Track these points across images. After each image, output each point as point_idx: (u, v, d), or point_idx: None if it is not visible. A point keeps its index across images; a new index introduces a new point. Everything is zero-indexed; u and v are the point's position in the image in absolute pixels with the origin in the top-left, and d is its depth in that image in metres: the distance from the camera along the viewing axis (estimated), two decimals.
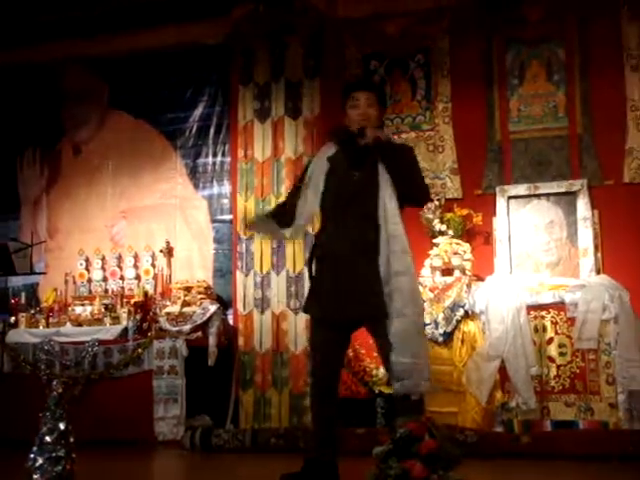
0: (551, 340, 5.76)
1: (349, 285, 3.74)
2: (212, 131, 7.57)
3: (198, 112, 7.64)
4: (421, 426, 2.75)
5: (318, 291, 3.90)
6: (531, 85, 6.68)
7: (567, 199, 6.33)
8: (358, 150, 3.84)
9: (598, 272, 6.09)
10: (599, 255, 6.17)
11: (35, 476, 2.70)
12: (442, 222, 6.35)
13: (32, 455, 2.75)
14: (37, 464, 2.71)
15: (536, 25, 6.65)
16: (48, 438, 2.75)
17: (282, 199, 6.83)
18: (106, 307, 7.03)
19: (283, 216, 4.04)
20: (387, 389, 5.96)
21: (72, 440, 2.79)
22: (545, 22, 6.64)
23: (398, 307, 3.63)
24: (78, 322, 7.02)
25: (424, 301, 3.68)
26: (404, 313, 3.62)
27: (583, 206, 6.23)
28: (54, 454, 2.72)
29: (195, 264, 7.45)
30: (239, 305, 6.99)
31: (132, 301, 7.03)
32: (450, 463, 2.72)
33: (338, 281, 3.77)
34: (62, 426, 2.76)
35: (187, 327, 6.68)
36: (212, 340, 6.66)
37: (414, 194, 3.86)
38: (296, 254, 6.79)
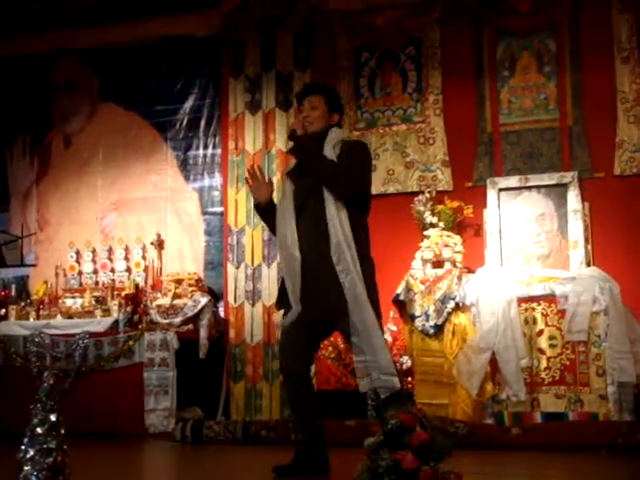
0: (541, 332, 5.77)
1: (307, 287, 3.83)
2: (203, 123, 7.56)
3: (189, 104, 7.63)
4: (412, 417, 2.75)
5: (285, 291, 3.98)
6: (522, 77, 6.69)
7: (558, 191, 6.34)
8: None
9: (588, 264, 6.10)
10: (589, 247, 6.18)
11: (26, 467, 2.68)
12: (433, 214, 6.36)
13: (23, 447, 2.73)
14: (28, 455, 2.69)
15: (527, 16, 6.66)
16: (39, 430, 2.73)
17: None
18: (97, 299, 7.02)
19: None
20: None
21: (63, 432, 2.77)
22: (536, 13, 6.65)
23: (350, 307, 3.71)
24: (69, 314, 7.01)
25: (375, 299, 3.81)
26: (356, 312, 3.71)
27: (574, 198, 6.24)
28: (45, 445, 2.71)
29: (186, 256, 7.44)
30: (230, 297, 6.99)
31: (123, 293, 7.02)
32: (441, 454, 2.72)
33: (298, 282, 3.86)
34: (53, 417, 2.75)
35: (178, 319, 6.69)
36: (203, 332, 6.67)
37: (330, 189, 3.87)
38: None
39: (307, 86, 4.77)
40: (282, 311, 4.08)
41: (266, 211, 4.11)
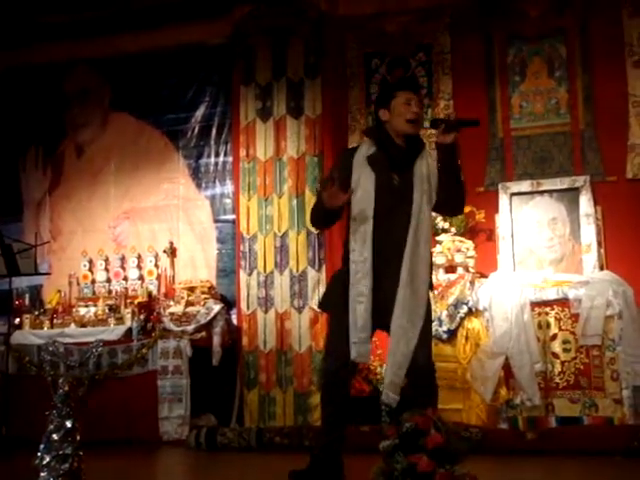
0: (555, 336, 5.76)
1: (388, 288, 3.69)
2: (214, 131, 7.58)
3: (200, 112, 7.65)
4: (427, 420, 2.75)
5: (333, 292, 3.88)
6: (532, 82, 6.69)
7: (570, 195, 6.33)
8: (401, 152, 3.78)
9: (601, 268, 6.09)
10: (602, 251, 6.17)
11: (42, 474, 2.70)
12: (444, 219, 6.35)
13: (39, 453, 2.75)
14: (44, 462, 2.71)
15: (537, 21, 6.66)
16: (55, 436, 2.75)
17: (285, 199, 6.87)
18: (110, 308, 7.03)
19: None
20: None
21: (79, 438, 2.79)
22: (546, 18, 6.65)
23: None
24: (82, 323, 7.03)
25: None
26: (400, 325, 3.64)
27: (586, 202, 6.23)
28: (61, 452, 2.72)
29: (198, 264, 7.46)
30: (243, 305, 6.99)
31: (136, 301, 7.03)
32: (456, 457, 2.72)
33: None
34: (69, 424, 2.77)
35: (191, 327, 6.69)
36: (216, 340, 6.68)
37: (455, 205, 3.83)
38: (299, 253, 6.79)
39: (413, 80, 4.54)
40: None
41: (334, 214, 3.81)
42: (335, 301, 3.83)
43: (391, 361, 3.65)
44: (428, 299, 3.78)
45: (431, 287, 3.85)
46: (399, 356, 3.64)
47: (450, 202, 3.80)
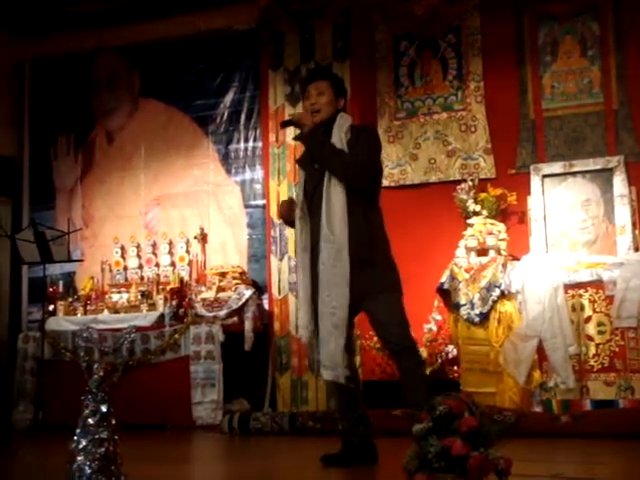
0: (589, 319, 5.69)
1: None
2: (243, 116, 7.58)
3: (229, 98, 7.65)
4: (460, 403, 2.73)
5: None
6: (564, 61, 6.58)
7: (603, 176, 6.25)
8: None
9: (636, 249, 6.00)
10: (637, 232, 6.08)
11: (79, 458, 2.71)
12: (476, 202, 6.30)
13: (75, 437, 2.76)
14: (80, 446, 2.72)
15: (569, 0, 6.56)
16: (91, 420, 2.75)
17: None
18: (142, 294, 7.09)
19: None
20: None
21: (114, 422, 2.80)
22: None
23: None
24: (115, 309, 7.10)
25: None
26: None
27: (620, 183, 6.14)
28: (97, 436, 2.73)
29: (229, 250, 7.48)
30: (274, 290, 7.02)
31: (168, 287, 7.08)
32: (490, 440, 2.70)
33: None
34: (104, 408, 2.77)
35: (223, 312, 6.73)
36: (248, 325, 6.70)
37: (346, 181, 3.84)
38: None
39: (312, 71, 4.70)
40: None
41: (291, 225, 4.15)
42: None
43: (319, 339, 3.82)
44: (376, 273, 3.81)
45: (378, 259, 3.86)
46: (325, 333, 3.76)
47: (338, 178, 3.83)
